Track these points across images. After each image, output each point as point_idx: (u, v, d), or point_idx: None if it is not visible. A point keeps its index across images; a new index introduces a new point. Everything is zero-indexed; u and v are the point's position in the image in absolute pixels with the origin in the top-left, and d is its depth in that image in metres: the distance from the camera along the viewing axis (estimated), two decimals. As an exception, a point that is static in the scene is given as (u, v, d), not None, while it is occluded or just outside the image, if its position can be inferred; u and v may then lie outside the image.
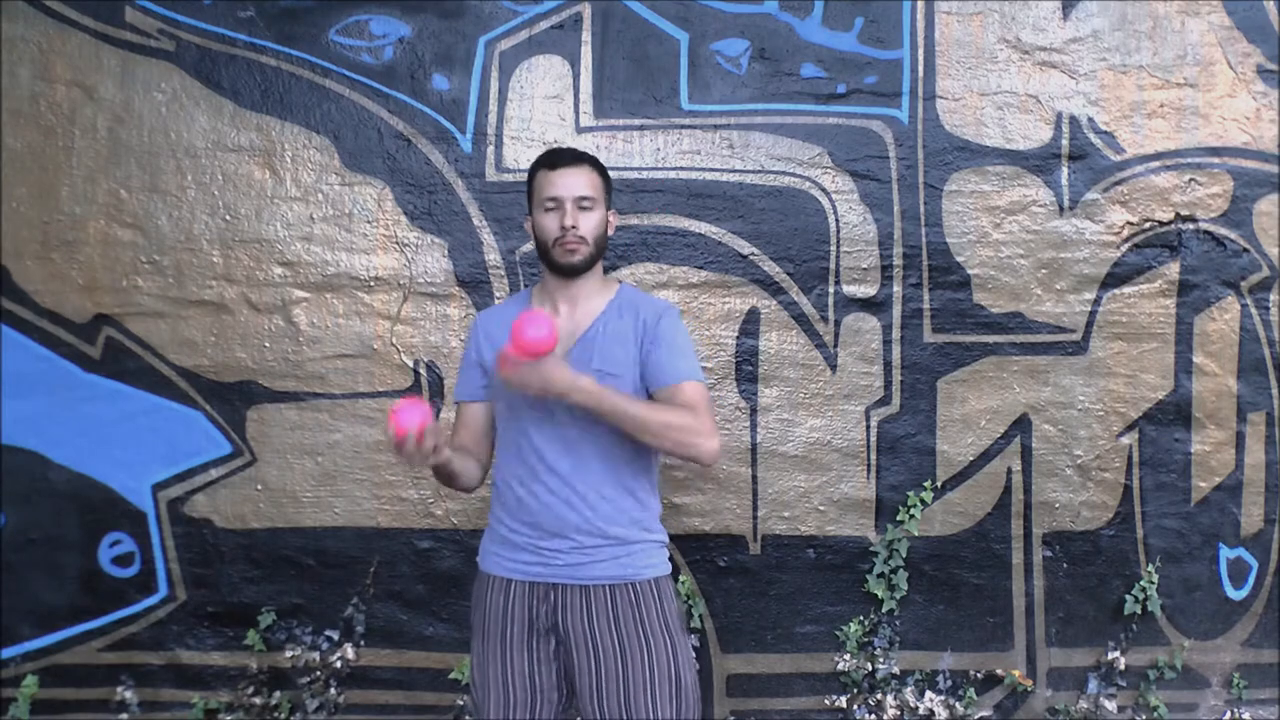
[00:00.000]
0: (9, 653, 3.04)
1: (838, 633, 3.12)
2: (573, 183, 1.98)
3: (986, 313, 3.14)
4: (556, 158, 2.02)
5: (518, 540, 1.98)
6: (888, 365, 3.13)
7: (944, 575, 3.14)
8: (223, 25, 3.05)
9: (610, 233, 2.06)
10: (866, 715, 3.11)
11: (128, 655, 3.06)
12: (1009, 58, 3.15)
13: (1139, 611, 3.15)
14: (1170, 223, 3.17)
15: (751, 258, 3.10)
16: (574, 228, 1.96)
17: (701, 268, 3.10)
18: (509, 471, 2.01)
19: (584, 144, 3.05)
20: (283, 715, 3.04)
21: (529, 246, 3.07)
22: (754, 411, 3.11)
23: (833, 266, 3.12)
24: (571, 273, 2.00)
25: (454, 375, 2.98)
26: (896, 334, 3.13)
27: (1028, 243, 3.15)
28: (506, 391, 1.98)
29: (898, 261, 3.12)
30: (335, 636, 3.07)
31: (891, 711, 3.09)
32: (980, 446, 3.15)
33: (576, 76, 3.09)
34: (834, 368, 3.12)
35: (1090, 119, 3.15)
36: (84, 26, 3.04)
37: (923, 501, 3.10)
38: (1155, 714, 3.14)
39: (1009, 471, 3.15)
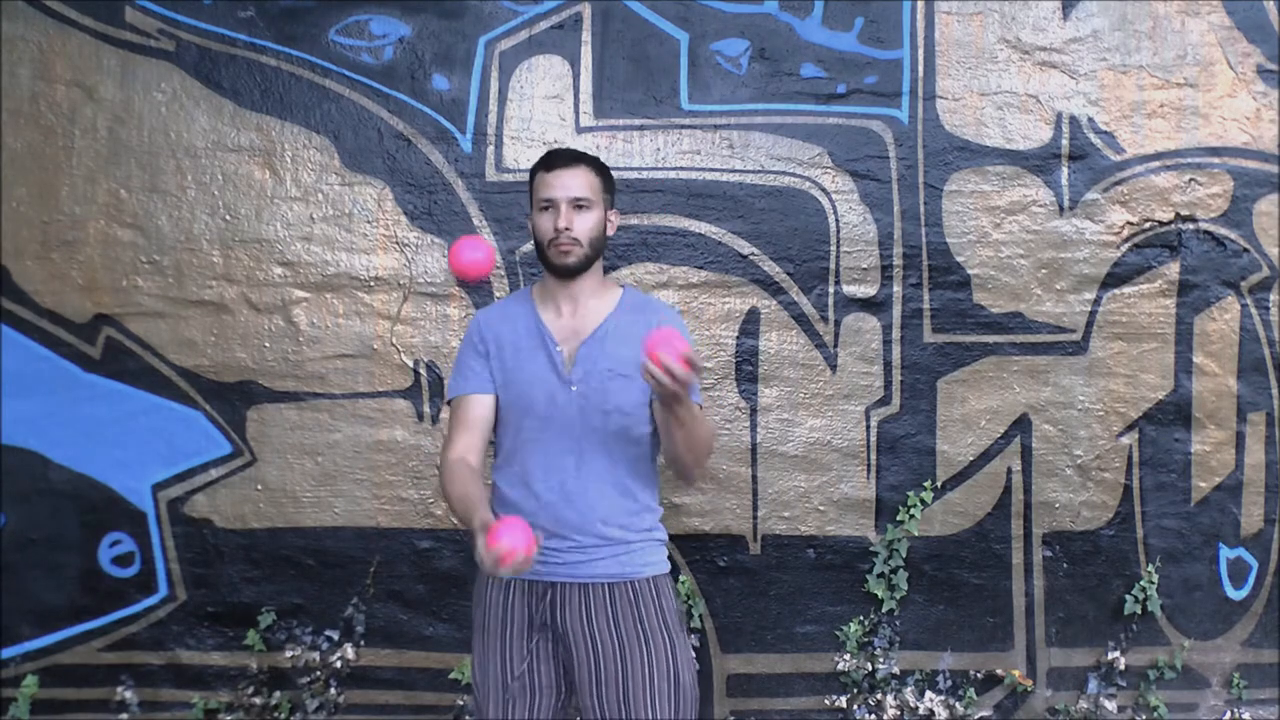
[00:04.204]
0: (9, 653, 3.04)
1: (838, 633, 3.12)
2: (568, 183, 1.98)
3: (986, 313, 3.14)
4: (553, 159, 2.02)
5: None
6: (888, 365, 3.13)
7: (944, 575, 3.14)
8: (223, 25, 3.05)
9: (610, 233, 2.06)
10: (866, 715, 3.11)
11: (128, 655, 3.06)
12: (1009, 58, 3.15)
13: (1139, 611, 3.14)
14: (1170, 223, 3.17)
15: (751, 258, 3.10)
16: (567, 229, 1.96)
17: (701, 268, 3.10)
18: (510, 470, 2.01)
19: (584, 144, 3.05)
20: (283, 715, 3.04)
21: (529, 246, 3.07)
22: (754, 411, 3.11)
23: (833, 266, 3.12)
24: (566, 274, 2.00)
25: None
26: (896, 334, 3.13)
27: (1028, 243, 3.14)
28: (511, 390, 1.98)
29: (898, 261, 3.12)
30: (335, 636, 3.07)
31: (891, 711, 3.09)
32: (980, 446, 3.14)
33: (576, 76, 3.09)
34: (834, 368, 3.12)
35: (1090, 119, 3.15)
36: (84, 26, 3.04)
37: (923, 501, 3.10)
38: (1155, 714, 3.14)
39: (1009, 471, 3.15)
